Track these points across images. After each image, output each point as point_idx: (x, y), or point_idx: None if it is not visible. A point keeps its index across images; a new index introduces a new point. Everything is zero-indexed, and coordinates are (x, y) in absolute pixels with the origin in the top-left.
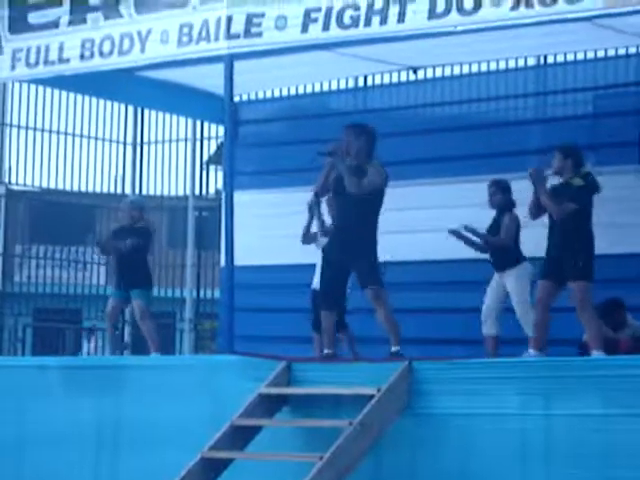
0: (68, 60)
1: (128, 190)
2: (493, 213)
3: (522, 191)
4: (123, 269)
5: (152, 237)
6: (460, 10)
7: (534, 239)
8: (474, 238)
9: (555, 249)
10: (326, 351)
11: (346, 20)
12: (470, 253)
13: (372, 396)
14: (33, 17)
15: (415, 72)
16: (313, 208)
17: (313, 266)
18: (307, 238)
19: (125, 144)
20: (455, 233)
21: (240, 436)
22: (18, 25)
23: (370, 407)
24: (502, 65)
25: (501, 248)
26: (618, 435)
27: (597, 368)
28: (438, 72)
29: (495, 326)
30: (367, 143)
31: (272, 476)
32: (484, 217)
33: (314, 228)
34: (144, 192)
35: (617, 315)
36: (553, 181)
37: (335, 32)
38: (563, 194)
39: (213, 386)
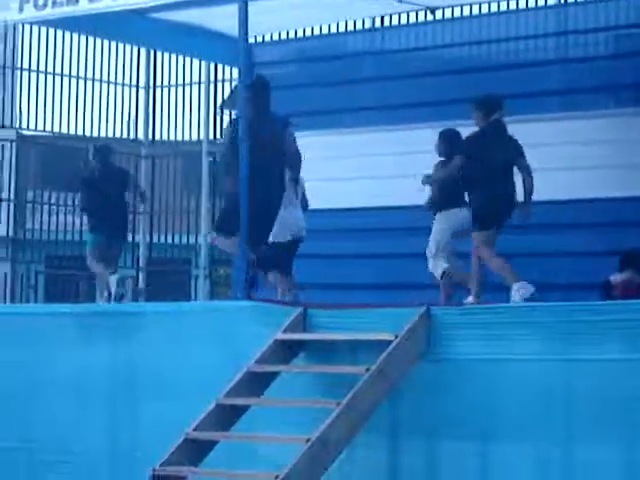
0: (77, 1)
1: (141, 135)
2: None
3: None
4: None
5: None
6: None
7: None
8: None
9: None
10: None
11: None
12: None
13: (390, 342)
14: None
15: (433, 12)
16: None
17: (325, 211)
18: None
19: (138, 87)
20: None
21: (256, 382)
22: None
23: (388, 353)
24: (522, 4)
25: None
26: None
27: (619, 312)
28: (456, 12)
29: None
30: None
31: (289, 423)
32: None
33: None
34: (157, 137)
35: None
36: None
37: None
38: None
39: (229, 332)
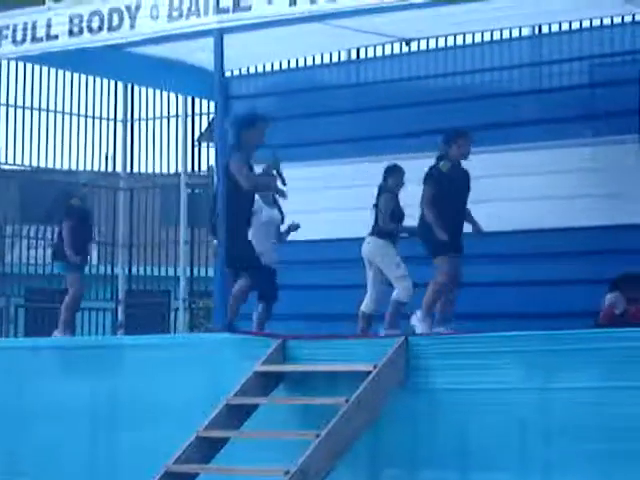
0: (56, 37)
1: (119, 168)
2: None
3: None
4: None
5: None
6: None
7: None
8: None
9: None
10: None
11: None
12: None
13: (369, 372)
14: None
15: (408, 44)
16: None
17: (306, 242)
18: None
19: (115, 121)
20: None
21: (236, 414)
22: (3, 2)
23: (367, 384)
24: (496, 36)
25: None
26: (618, 408)
27: (597, 340)
28: (432, 44)
29: None
30: None
31: (269, 454)
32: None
33: None
34: (135, 170)
35: (633, 288)
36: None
37: (324, 3)
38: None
39: (208, 364)
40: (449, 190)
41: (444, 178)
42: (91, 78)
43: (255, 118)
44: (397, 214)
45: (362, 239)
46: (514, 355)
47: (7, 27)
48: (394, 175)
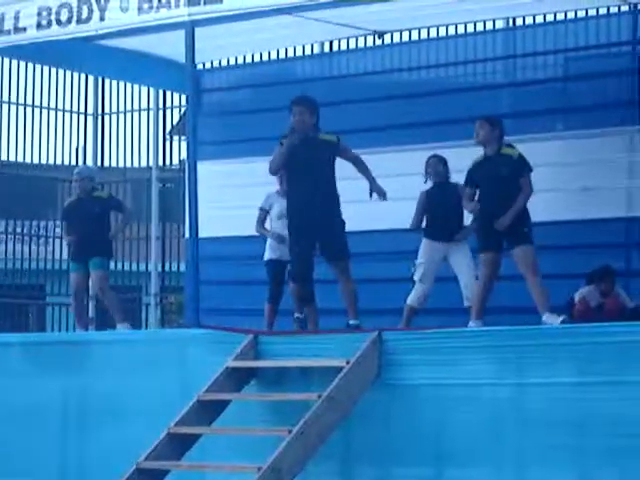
0: (24, 29)
1: (90, 161)
2: None
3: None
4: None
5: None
6: None
7: None
8: None
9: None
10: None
11: None
12: None
13: (341, 368)
14: None
15: (381, 37)
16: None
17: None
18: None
19: (86, 115)
20: None
21: (208, 410)
22: None
23: (339, 379)
24: (470, 28)
25: None
26: (592, 403)
27: (570, 335)
28: (405, 37)
29: None
30: (317, 116)
31: (241, 450)
32: None
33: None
34: (106, 164)
35: (606, 282)
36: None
37: None
38: (502, 164)
39: (180, 360)
40: (478, 184)
41: (469, 174)
42: (61, 71)
43: (293, 101)
44: (433, 207)
45: None
46: (487, 350)
47: None
48: (427, 165)
